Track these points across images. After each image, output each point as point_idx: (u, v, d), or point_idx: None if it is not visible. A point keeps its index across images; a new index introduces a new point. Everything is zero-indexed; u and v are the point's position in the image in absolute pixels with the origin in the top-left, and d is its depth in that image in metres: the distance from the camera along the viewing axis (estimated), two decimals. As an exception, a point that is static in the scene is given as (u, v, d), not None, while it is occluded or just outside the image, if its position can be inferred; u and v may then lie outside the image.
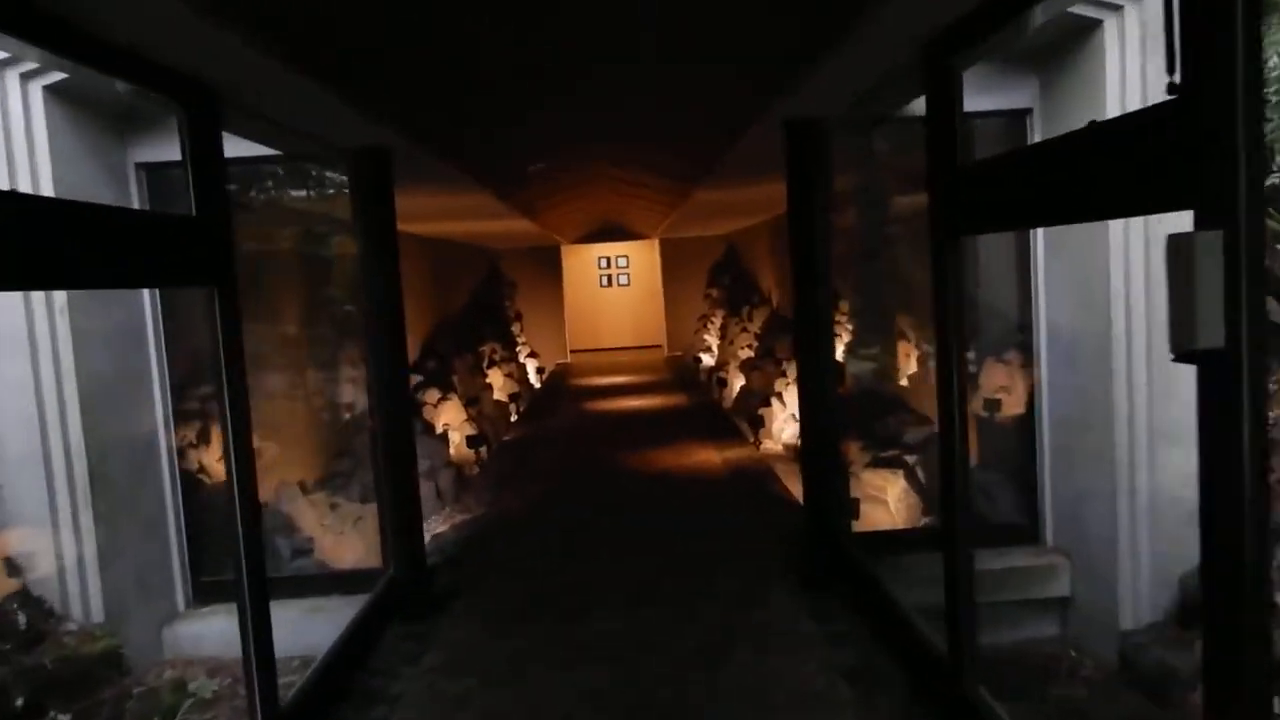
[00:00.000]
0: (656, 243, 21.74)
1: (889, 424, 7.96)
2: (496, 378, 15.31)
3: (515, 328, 19.34)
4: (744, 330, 15.91)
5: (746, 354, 15.42)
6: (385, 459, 5.85)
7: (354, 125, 4.95)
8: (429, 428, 10.35)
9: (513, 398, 14.86)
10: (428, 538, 6.96)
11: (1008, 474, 5.80)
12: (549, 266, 20.88)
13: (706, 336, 19.79)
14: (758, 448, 10.88)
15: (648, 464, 10.02)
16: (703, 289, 20.69)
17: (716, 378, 15.22)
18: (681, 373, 18.21)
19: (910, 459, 7.26)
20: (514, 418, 14.44)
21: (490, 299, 18.58)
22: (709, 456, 10.12)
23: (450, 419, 11.43)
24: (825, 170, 5.65)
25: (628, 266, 23.78)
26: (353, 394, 8.28)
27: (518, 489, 9.36)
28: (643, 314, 23.64)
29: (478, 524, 8.10)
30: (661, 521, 7.63)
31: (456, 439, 11.24)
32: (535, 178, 9.56)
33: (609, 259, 23.79)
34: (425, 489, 8.44)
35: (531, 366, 19.19)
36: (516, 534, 7.68)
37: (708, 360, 19.12)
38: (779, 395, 11.57)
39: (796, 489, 7.21)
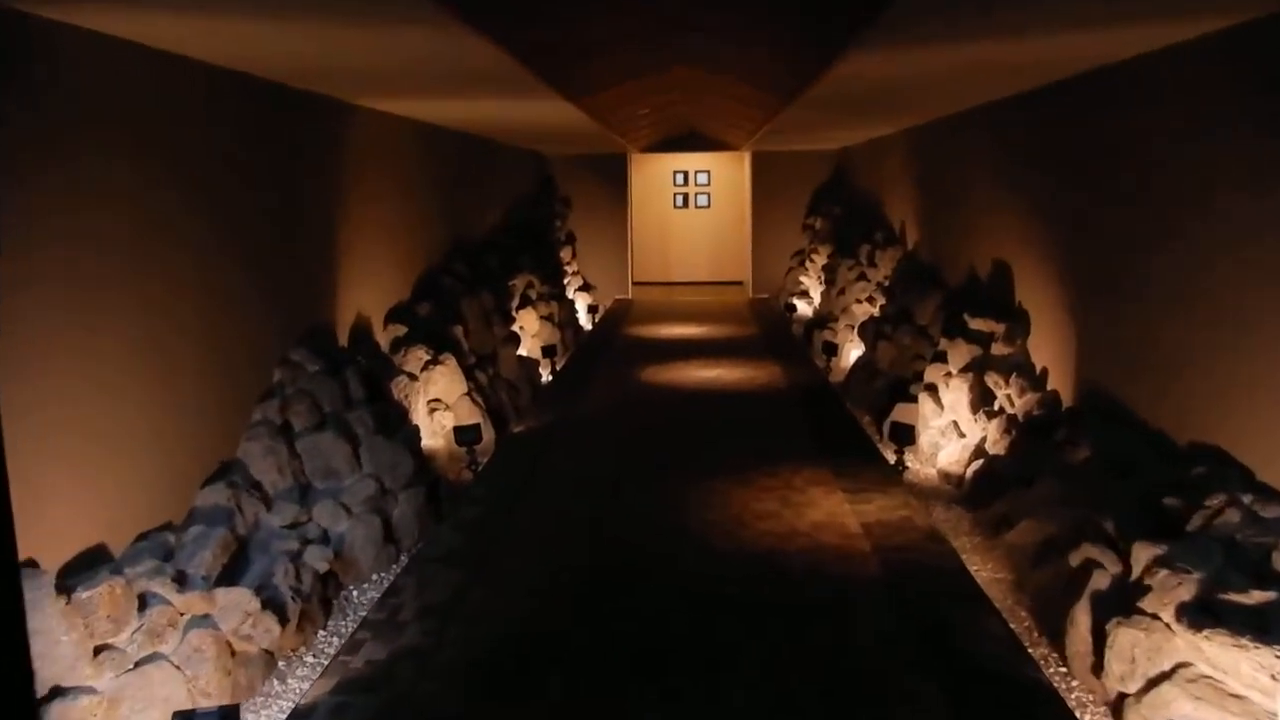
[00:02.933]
0: (747, 156, 17.61)
1: None
2: (530, 321, 11.64)
3: (565, 254, 15.58)
4: (862, 278, 11.89)
5: (865, 309, 11.45)
6: None
7: None
8: (402, 414, 6.75)
9: (547, 351, 11.17)
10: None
11: None
12: (613, 180, 16.96)
13: (804, 279, 15.77)
14: (902, 473, 7.06)
15: (732, 518, 6.29)
16: (801, 218, 16.57)
17: (824, 341, 11.29)
18: (771, 325, 14.28)
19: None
20: (546, 379, 10.81)
21: (535, 217, 14.80)
22: (835, 509, 6.30)
23: (443, 393, 7.82)
24: None
25: (709, 184, 19.69)
26: None
27: (517, 556, 5.76)
28: (724, 243, 19.62)
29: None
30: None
31: (447, 425, 7.65)
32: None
33: (686, 174, 19.71)
34: (314, 556, 4.92)
35: (583, 303, 15.46)
36: None
37: (804, 309, 15.16)
38: (931, 389, 7.68)
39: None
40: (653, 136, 16.28)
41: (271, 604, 4.37)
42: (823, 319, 12.85)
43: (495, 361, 9.52)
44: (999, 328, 7.24)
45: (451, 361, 7.94)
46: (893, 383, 8.98)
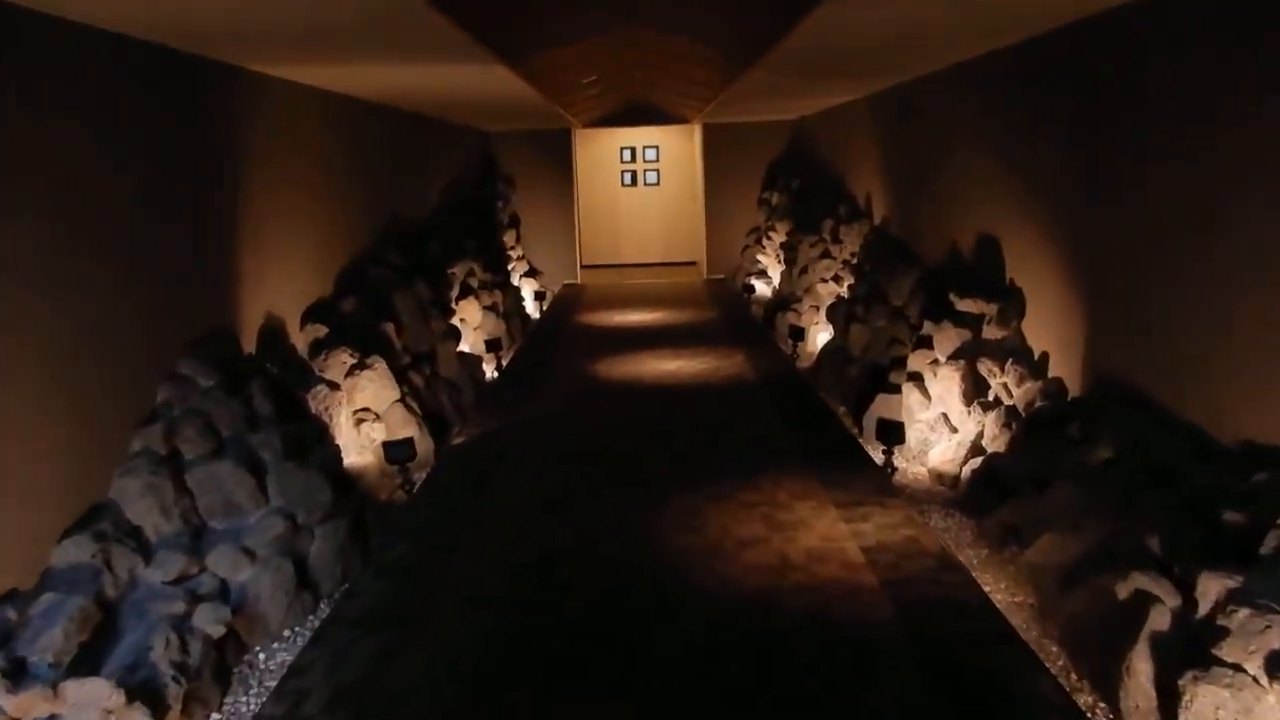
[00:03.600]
0: (697, 129, 16.78)
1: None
2: (472, 312, 10.73)
3: (509, 237, 14.64)
4: (826, 255, 11.18)
5: (831, 289, 10.74)
6: None
7: None
8: (320, 431, 5.83)
9: (491, 346, 10.27)
10: None
11: None
12: (557, 158, 16.01)
13: (761, 258, 15.03)
14: (892, 475, 6.33)
15: (710, 547, 5.52)
16: (757, 193, 15.81)
17: (790, 325, 10.55)
18: (730, 308, 13.52)
19: None
20: (492, 375, 9.92)
21: (477, 198, 13.83)
22: (830, 530, 5.56)
23: (372, 401, 6.92)
24: None
25: (658, 160, 18.83)
26: None
27: (453, 616, 4.93)
28: (676, 222, 18.80)
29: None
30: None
31: (377, 438, 6.75)
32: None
33: (634, 150, 18.82)
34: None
35: (529, 290, 14.54)
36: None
37: (763, 289, 14.43)
38: (916, 379, 6.97)
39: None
40: (598, 110, 15.37)
41: (144, 691, 3.49)
42: (785, 300, 12.12)
43: (434, 360, 8.61)
44: (990, 308, 6.54)
45: (381, 364, 7.03)
46: (869, 370, 8.28)
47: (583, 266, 17.42)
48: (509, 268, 14.09)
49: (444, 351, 8.80)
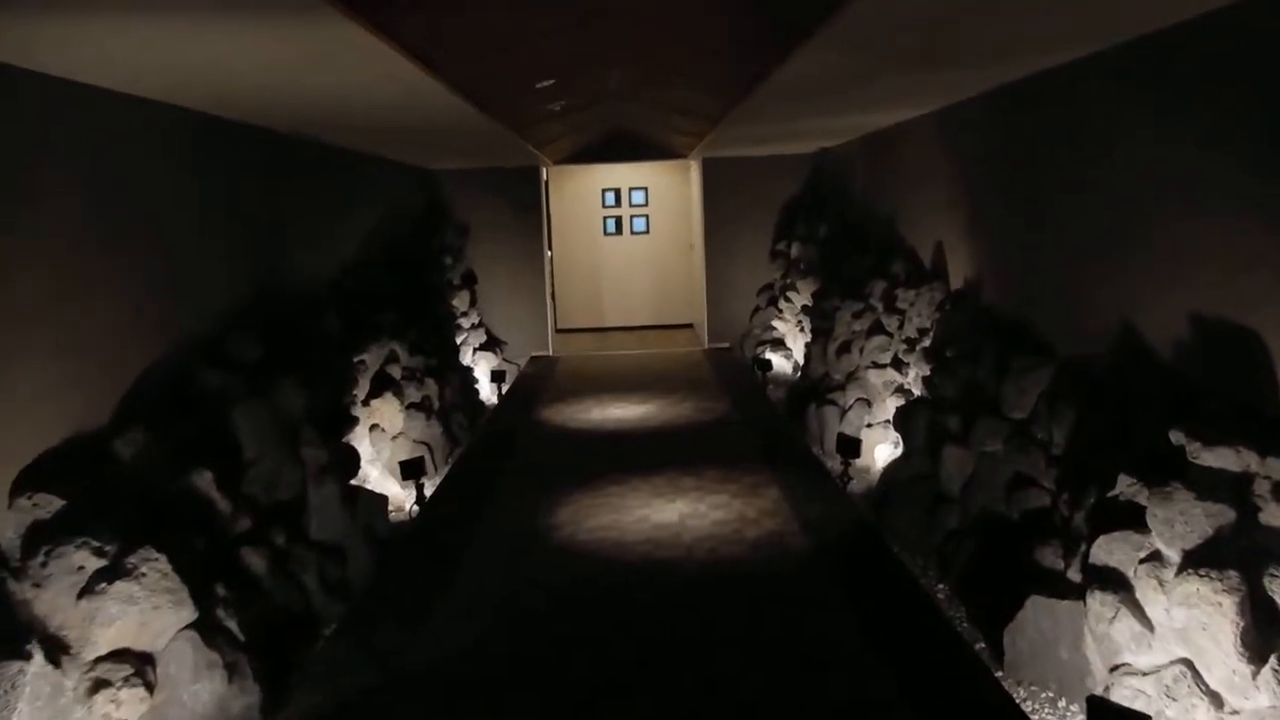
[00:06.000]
0: (695, 165, 13.87)
1: None
2: (389, 414, 7.65)
3: (460, 300, 11.61)
4: (879, 330, 8.15)
5: (890, 378, 7.72)
6: None
7: None
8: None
9: (410, 470, 7.12)
10: None
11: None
12: (523, 201, 13.04)
13: (778, 323, 12.03)
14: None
15: None
16: (769, 242, 12.85)
17: (839, 435, 7.44)
18: (741, 393, 10.39)
19: None
20: (408, 514, 6.78)
21: (413, 254, 10.81)
22: None
23: (133, 639, 3.79)
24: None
25: (646, 204, 15.90)
26: None
27: None
28: (669, 277, 15.82)
29: None
30: None
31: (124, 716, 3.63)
32: None
33: (618, 192, 15.89)
34: None
35: (485, 368, 11.48)
36: None
37: (781, 364, 11.42)
38: (1108, 581, 3.87)
39: None
40: (573, 143, 12.46)
41: None
42: (815, 385, 9.09)
43: (302, 515, 5.51)
44: (1271, 466, 3.51)
45: (155, 567, 3.92)
46: (984, 525, 5.25)
47: (557, 330, 14.40)
48: (458, 341, 11.04)
49: (319, 498, 5.68)
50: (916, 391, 7.16)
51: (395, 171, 10.67)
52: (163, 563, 3.96)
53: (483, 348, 11.80)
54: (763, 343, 12.03)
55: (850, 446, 7.03)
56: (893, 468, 6.65)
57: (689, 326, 15.44)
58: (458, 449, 8.70)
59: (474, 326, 11.86)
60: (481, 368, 11.43)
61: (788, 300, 11.61)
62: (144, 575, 3.88)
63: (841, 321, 8.89)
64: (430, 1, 4.45)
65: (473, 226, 12.63)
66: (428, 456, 7.67)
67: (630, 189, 15.79)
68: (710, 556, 5.54)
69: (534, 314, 13.15)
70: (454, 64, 5.32)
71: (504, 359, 12.07)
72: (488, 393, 11.04)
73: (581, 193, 15.69)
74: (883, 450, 7.37)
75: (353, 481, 6.45)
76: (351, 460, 6.37)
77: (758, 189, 12.77)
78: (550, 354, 13.24)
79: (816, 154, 12.37)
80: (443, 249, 11.69)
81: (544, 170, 13.46)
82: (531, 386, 11.15)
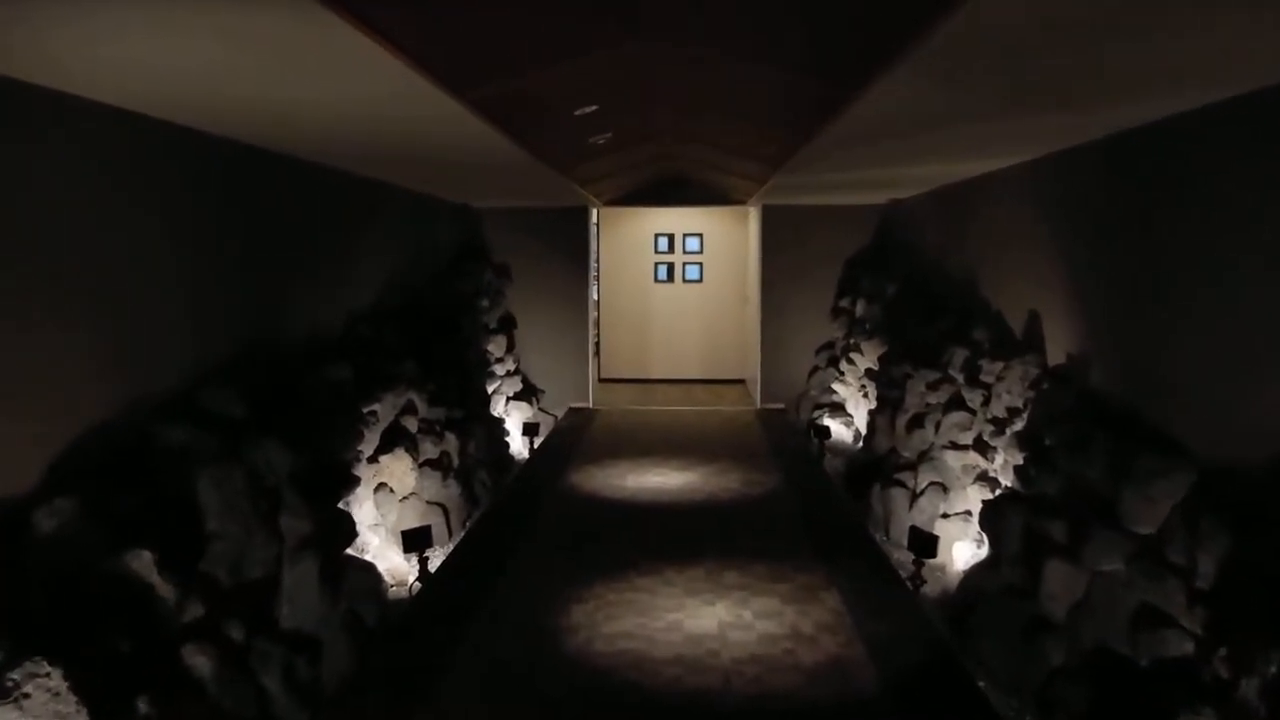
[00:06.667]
0: (754, 213, 13.01)
1: None
2: (399, 472, 6.82)
3: (495, 344, 10.84)
4: (959, 405, 7.14)
5: (973, 463, 6.69)
6: None
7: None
8: None
9: (414, 541, 6.23)
10: None
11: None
12: (568, 242, 12.28)
13: (838, 386, 11.04)
14: None
15: None
16: (831, 299, 11.90)
17: (911, 529, 6.39)
18: (796, 466, 9.36)
19: None
20: (409, 590, 5.90)
21: (446, 295, 10.08)
22: None
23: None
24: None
25: (701, 251, 15.06)
26: None
27: None
28: (721, 329, 14.91)
29: None
30: None
31: None
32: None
33: (671, 237, 15.08)
34: None
35: (518, 419, 10.65)
36: None
37: (840, 431, 10.41)
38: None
39: None
40: (624, 183, 11.71)
41: None
42: (880, 460, 8.07)
43: (273, 598, 4.67)
44: None
45: (45, 685, 3.08)
46: (1103, 670, 4.20)
47: (600, 380, 13.55)
48: (490, 389, 10.24)
49: (295, 576, 4.83)
50: (1005, 482, 6.12)
51: (428, 208, 9.98)
52: (55, 679, 3.12)
53: (517, 396, 10.99)
54: (820, 406, 11.03)
55: (926, 546, 6.00)
56: (977, 575, 5.61)
57: (740, 382, 14.48)
58: (477, 511, 7.83)
59: (509, 374, 11.06)
60: (514, 419, 10.61)
61: (850, 362, 10.62)
62: (28, 696, 3.04)
63: (914, 391, 7.88)
64: (445, 11, 3.68)
65: (514, 267, 11.89)
66: (441, 521, 6.81)
67: (685, 234, 14.98)
68: (755, 688, 4.52)
69: (575, 362, 12.32)
70: (477, 83, 4.54)
71: (539, 409, 11.24)
72: (519, 446, 10.20)
73: (632, 236, 14.93)
74: (962, 548, 6.32)
75: (349, 551, 5.63)
76: (343, 528, 5.53)
77: (821, 240, 11.86)
78: (590, 406, 12.37)
79: (886, 205, 11.44)
80: (480, 290, 10.95)
81: (594, 211, 12.71)
82: (565, 443, 10.25)
